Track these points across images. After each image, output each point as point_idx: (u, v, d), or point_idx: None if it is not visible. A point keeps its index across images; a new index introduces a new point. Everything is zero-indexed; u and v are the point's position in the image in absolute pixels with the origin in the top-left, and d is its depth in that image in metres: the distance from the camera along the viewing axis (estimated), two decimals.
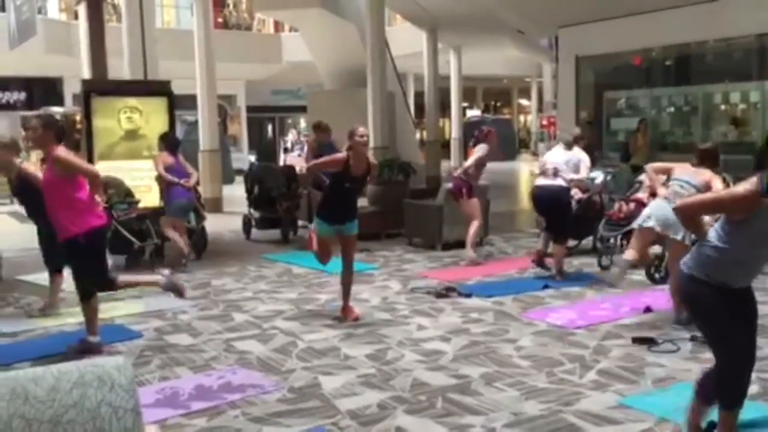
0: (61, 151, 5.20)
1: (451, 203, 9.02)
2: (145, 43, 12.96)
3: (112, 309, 6.56)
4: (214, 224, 11.85)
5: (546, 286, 7.25)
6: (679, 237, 5.57)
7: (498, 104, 43.63)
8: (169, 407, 4.25)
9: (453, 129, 28.01)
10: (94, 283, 5.26)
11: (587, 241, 9.00)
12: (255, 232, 10.86)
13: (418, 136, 23.31)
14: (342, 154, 6.09)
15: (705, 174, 5.60)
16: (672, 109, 14.10)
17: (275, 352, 5.32)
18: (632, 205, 8.07)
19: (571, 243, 9.25)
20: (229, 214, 13.31)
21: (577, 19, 14.20)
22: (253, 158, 23.35)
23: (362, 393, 4.48)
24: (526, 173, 24.59)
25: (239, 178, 15.06)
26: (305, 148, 13.50)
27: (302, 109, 23.94)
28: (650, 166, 6.19)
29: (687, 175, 5.70)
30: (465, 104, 37.39)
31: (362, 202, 9.62)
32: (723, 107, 13.33)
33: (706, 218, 3.88)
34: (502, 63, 29.98)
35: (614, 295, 6.95)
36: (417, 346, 5.41)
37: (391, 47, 19.64)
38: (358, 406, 4.27)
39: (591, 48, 14.57)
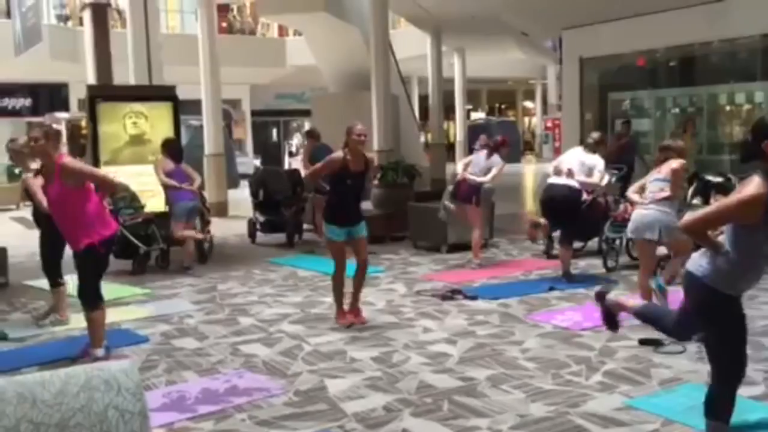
0: (68, 160, 5.05)
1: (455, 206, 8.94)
2: (149, 48, 13.02)
3: (119, 313, 6.57)
4: (219, 229, 11.91)
5: (552, 288, 7.25)
6: (652, 237, 5.91)
7: (503, 106, 43.58)
8: (176, 411, 4.26)
9: (457, 131, 28.01)
10: (96, 292, 5.16)
11: (593, 243, 8.98)
12: (260, 236, 10.89)
13: (422, 138, 23.33)
14: (337, 154, 6.07)
15: (667, 164, 6.03)
16: (677, 110, 14.07)
17: (281, 356, 5.32)
18: None
19: (577, 244, 9.27)
20: (235, 219, 13.36)
21: (580, 21, 14.21)
22: (258, 162, 23.38)
23: (368, 396, 4.48)
24: (531, 175, 24.58)
25: (244, 182, 15.08)
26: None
27: (307, 113, 23.99)
28: (629, 195, 6.51)
29: (654, 175, 6.13)
30: (469, 107, 37.43)
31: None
32: (728, 108, 13.31)
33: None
34: (506, 65, 29.98)
35: (621, 296, 6.92)
36: (423, 349, 5.42)
37: (394, 50, 19.67)
38: (364, 408, 4.27)
39: (595, 49, 14.58)
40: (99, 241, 5.03)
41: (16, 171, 11.58)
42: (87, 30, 13.70)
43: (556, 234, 8.50)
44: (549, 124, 32.40)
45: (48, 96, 23.41)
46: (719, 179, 8.50)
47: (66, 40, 20.05)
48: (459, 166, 8.97)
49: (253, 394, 4.52)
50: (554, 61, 24.48)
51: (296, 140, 26.67)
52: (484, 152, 8.73)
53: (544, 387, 4.57)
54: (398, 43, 22.31)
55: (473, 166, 8.73)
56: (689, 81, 14.03)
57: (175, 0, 26.33)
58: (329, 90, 18.71)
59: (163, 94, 11.07)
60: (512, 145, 32.67)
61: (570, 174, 7.60)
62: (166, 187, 8.69)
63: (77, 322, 6.14)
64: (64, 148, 14.59)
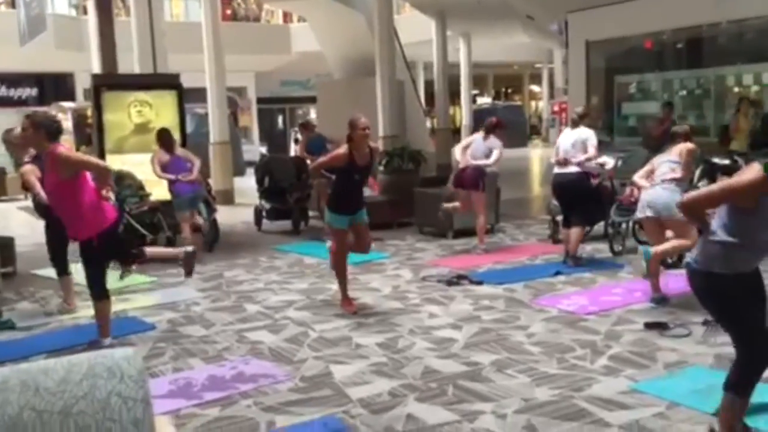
0: (61, 149, 4.97)
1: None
2: (154, 36, 13.00)
3: (126, 301, 6.61)
4: (225, 216, 11.92)
5: (558, 273, 7.24)
6: (651, 214, 5.99)
7: (509, 91, 43.40)
8: (182, 398, 4.29)
9: (463, 116, 27.91)
10: (103, 282, 5.17)
11: (599, 227, 8.96)
12: (266, 224, 10.90)
13: (428, 124, 23.25)
14: (342, 150, 5.97)
15: (678, 147, 6.17)
16: (684, 92, 13.97)
17: (287, 342, 5.34)
18: None
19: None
20: (241, 206, 13.37)
21: (586, 4, 14.09)
22: (264, 150, 23.38)
23: (373, 381, 4.49)
24: (537, 160, 24.51)
25: (250, 170, 15.08)
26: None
27: (312, 100, 23.92)
28: (636, 179, 6.50)
29: (665, 157, 6.21)
30: (476, 91, 37.28)
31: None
32: (736, 89, 13.20)
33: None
34: (512, 49, 29.82)
35: (626, 280, 6.94)
36: (428, 334, 5.42)
37: (399, 35, 19.57)
38: (369, 394, 4.29)
39: (601, 32, 14.46)
40: (97, 234, 5.02)
41: (13, 161, 11.61)
42: (91, 19, 13.69)
43: (560, 218, 8.49)
44: (556, 108, 32.22)
45: (53, 85, 23.44)
46: (726, 161, 8.46)
47: (71, 30, 20.05)
48: (457, 152, 8.83)
49: (259, 381, 4.54)
50: (560, 45, 24.33)
51: None
52: (481, 134, 8.67)
53: (549, 371, 4.57)
54: (403, 28, 22.19)
55: (473, 150, 8.67)
56: (696, 63, 13.92)
57: None
58: (334, 76, 18.66)
59: (168, 82, 11.05)
60: (519, 129, 32.74)
61: (566, 162, 7.59)
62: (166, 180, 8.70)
63: (85, 310, 6.19)
64: (68, 138, 14.68)
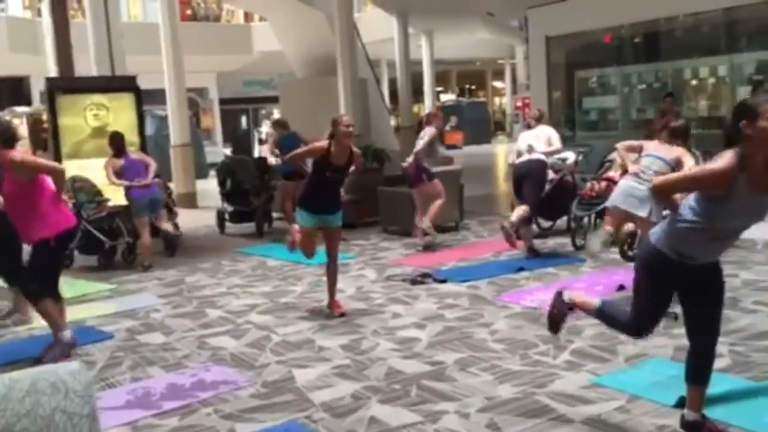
0: (17, 154, 5.00)
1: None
2: (110, 37, 12.77)
3: (84, 310, 6.47)
4: (188, 220, 11.77)
5: (521, 269, 7.26)
6: (644, 215, 5.61)
7: (473, 87, 43.63)
8: (141, 408, 4.19)
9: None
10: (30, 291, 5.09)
11: (562, 222, 9.03)
12: (230, 226, 10.78)
13: (393, 122, 23.23)
14: (322, 143, 5.89)
15: (677, 150, 5.64)
16: (643, 86, 14.15)
17: (249, 347, 5.27)
18: (604, 184, 8.11)
19: (546, 224, 9.33)
20: (204, 209, 13.22)
21: None
22: (228, 151, 23.14)
23: (336, 384, 4.45)
24: (502, 155, 24.64)
25: (213, 172, 14.91)
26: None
27: (275, 100, 23.75)
28: (621, 145, 6.23)
29: (659, 151, 5.77)
30: (440, 88, 37.38)
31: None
32: (693, 82, 13.41)
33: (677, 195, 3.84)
34: (475, 46, 29.96)
35: (588, 274, 6.99)
36: (392, 335, 5.39)
37: (362, 33, 19.48)
38: (332, 397, 4.24)
39: (561, 27, 14.58)
40: (54, 235, 4.96)
41: None
42: (46, 21, 13.41)
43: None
44: (519, 104, 32.47)
45: (9, 90, 22.90)
46: None
47: (25, 32, 19.62)
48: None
49: (220, 388, 4.46)
50: (521, 41, 24.50)
51: (265, 128, 26.42)
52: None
53: (512, 368, 4.57)
54: (366, 26, 22.13)
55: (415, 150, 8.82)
56: (655, 56, 14.10)
57: None
58: (297, 76, 18.53)
59: (125, 84, 10.86)
60: (483, 126, 32.86)
61: (531, 150, 7.67)
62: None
63: (41, 321, 6.02)
64: (23, 143, 14.35)
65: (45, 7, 13.50)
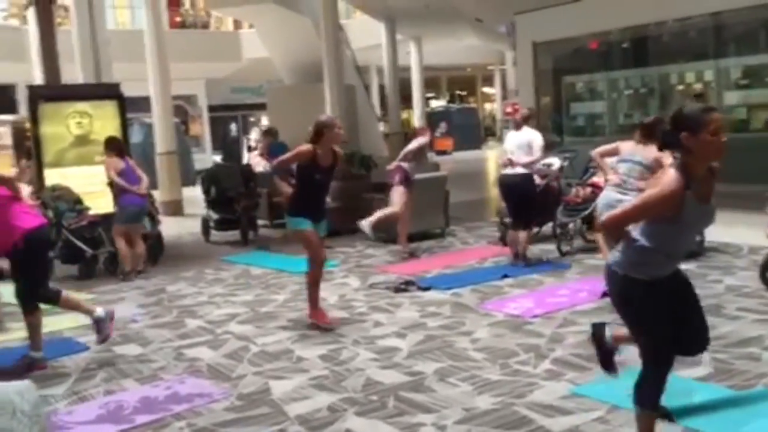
0: None
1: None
2: (96, 45, 12.71)
3: (60, 321, 6.35)
4: (173, 227, 11.68)
5: (505, 276, 7.20)
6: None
7: (464, 93, 43.64)
8: (111, 423, 4.10)
9: (416, 120, 27.94)
10: (33, 294, 5.01)
11: (548, 228, 8.97)
12: (215, 234, 10.67)
13: (382, 128, 23.19)
14: (307, 146, 5.79)
15: (653, 150, 5.52)
16: (630, 91, 14.15)
17: (226, 358, 5.18)
18: (589, 190, 8.08)
19: (533, 230, 9.25)
20: (191, 217, 13.09)
21: (532, 5, 14.18)
22: (218, 158, 23.04)
23: (313, 396, 4.37)
24: (491, 161, 24.62)
25: None
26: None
27: (265, 107, 23.71)
28: (596, 152, 6.19)
29: (635, 154, 5.71)
30: (431, 94, 37.42)
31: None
32: (680, 87, 13.41)
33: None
34: (464, 52, 29.99)
35: (573, 281, 6.93)
36: (372, 344, 5.32)
37: (351, 40, 19.48)
38: (308, 410, 4.16)
39: (548, 33, 14.56)
40: (21, 237, 4.86)
41: None
42: (32, 28, 13.31)
43: (509, 220, 8.49)
44: (509, 110, 32.47)
45: None
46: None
47: (11, 40, 19.48)
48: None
49: (194, 401, 4.38)
50: (510, 47, 24.51)
51: (255, 135, 26.35)
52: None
53: (491, 378, 4.50)
54: (354, 32, 22.15)
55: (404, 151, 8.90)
56: (642, 62, 14.10)
57: None
58: (284, 82, 18.49)
59: (108, 92, 10.76)
60: (472, 132, 32.83)
61: (512, 163, 7.58)
62: (117, 188, 8.45)
63: (16, 332, 5.93)
64: (7, 153, 14.22)
65: (31, 15, 13.37)
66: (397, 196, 8.60)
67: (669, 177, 3.01)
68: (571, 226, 8.30)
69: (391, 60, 21.79)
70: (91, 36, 12.75)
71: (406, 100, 27.77)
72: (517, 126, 7.90)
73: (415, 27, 23.02)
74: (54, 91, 10.95)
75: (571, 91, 15.14)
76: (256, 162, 11.17)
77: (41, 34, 12.98)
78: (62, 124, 10.33)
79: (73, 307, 5.37)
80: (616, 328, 3.84)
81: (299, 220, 5.82)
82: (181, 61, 20.94)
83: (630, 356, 4.64)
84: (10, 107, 21.57)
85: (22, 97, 21.83)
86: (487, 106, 42.31)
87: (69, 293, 5.51)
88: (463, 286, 6.87)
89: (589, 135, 14.25)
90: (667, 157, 5.57)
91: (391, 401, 4.22)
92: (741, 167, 8.11)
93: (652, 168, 5.46)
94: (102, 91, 10.91)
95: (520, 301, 6.27)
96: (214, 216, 10.58)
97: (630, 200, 5.35)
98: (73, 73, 12.53)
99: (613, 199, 5.67)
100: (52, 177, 9.83)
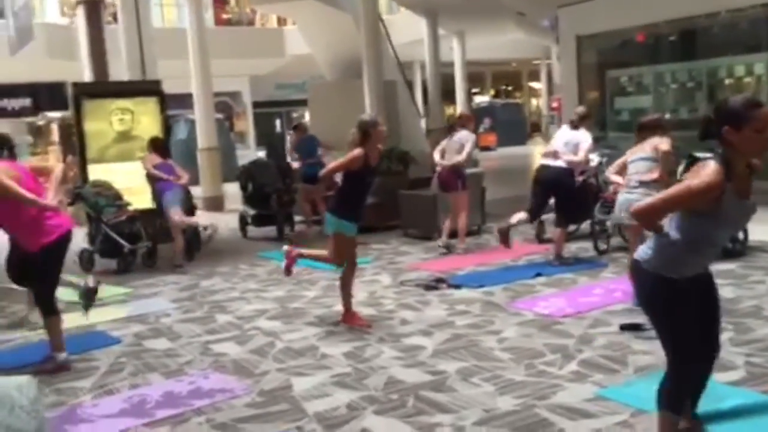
0: None
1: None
2: (142, 42, 12.92)
3: (96, 314, 6.46)
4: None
5: (538, 274, 7.08)
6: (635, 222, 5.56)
7: (509, 88, 43.18)
8: (133, 416, 4.15)
9: None
10: (52, 297, 5.05)
11: (586, 225, 8.78)
12: (252, 230, 10.76)
13: (424, 124, 23.05)
14: (358, 151, 5.62)
15: (651, 142, 5.82)
16: (676, 85, 13.76)
17: (252, 354, 5.21)
18: None
19: (570, 227, 9.08)
20: (232, 213, 13.22)
21: None
22: (262, 154, 23.24)
23: (333, 394, 4.35)
24: (536, 158, 24.28)
25: None
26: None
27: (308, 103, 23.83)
28: (609, 172, 6.33)
29: (637, 153, 5.89)
30: (475, 90, 37.10)
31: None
32: (728, 81, 12.98)
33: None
34: (509, 46, 29.57)
35: (608, 280, 6.77)
36: (397, 342, 5.28)
37: (394, 36, 19.38)
38: (326, 407, 4.14)
39: (592, 26, 14.26)
40: (39, 248, 4.90)
41: None
42: (81, 27, 13.63)
43: (546, 217, 8.36)
44: (555, 105, 32.02)
45: (48, 95, 23.36)
46: (708, 155, 8.26)
47: (62, 38, 19.97)
48: (436, 156, 8.77)
49: (216, 396, 4.40)
50: (554, 41, 24.13)
51: None
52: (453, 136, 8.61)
53: (515, 378, 4.42)
54: (398, 28, 22.05)
55: (447, 149, 8.60)
56: (690, 55, 13.69)
57: None
58: (326, 78, 18.52)
59: (149, 89, 10.95)
60: (518, 127, 32.46)
61: (556, 155, 7.46)
62: (153, 180, 8.64)
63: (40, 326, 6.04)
64: (55, 148, 14.59)
65: (80, 14, 13.70)
66: (462, 199, 8.41)
67: (710, 168, 2.90)
68: (608, 223, 8.11)
69: (432, 55, 21.64)
70: (137, 34, 12.97)
71: (449, 96, 27.56)
72: (573, 125, 7.65)
73: (457, 22, 22.81)
74: (97, 88, 11.19)
75: (615, 85, 14.80)
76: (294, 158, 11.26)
77: (90, 33, 13.32)
78: (105, 121, 10.56)
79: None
80: None
81: (346, 224, 5.73)
82: (226, 57, 21.19)
83: (661, 359, 4.53)
84: (63, 104, 22.19)
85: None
86: (533, 101, 41.77)
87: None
88: (495, 285, 6.78)
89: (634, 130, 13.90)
90: (664, 143, 5.71)
91: (410, 400, 4.18)
92: None
93: (654, 157, 5.75)
94: (143, 88, 11.10)
95: (552, 300, 6.15)
96: (251, 212, 10.67)
97: (637, 198, 5.33)
98: (121, 70, 12.78)
99: (624, 199, 5.81)
100: (95, 172, 10.06)
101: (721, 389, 4.03)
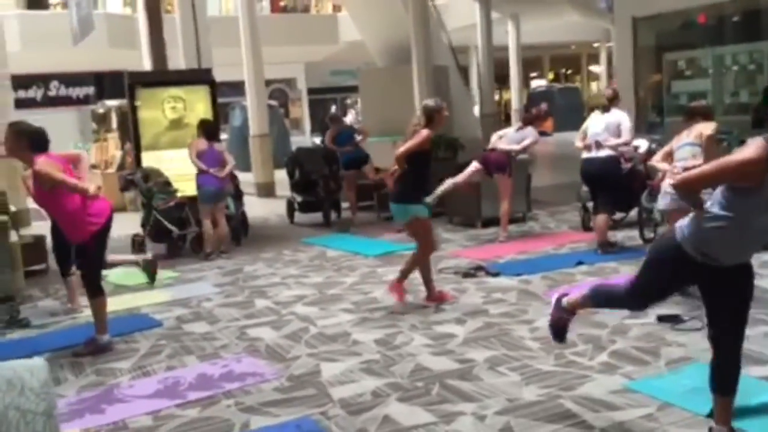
0: (41, 164, 4.86)
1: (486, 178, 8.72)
2: (197, 31, 13.18)
3: (141, 298, 6.71)
4: (262, 209, 12.07)
5: (580, 263, 6.96)
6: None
7: (568, 72, 42.31)
8: (166, 398, 4.29)
9: (513, 101, 27.33)
10: (98, 279, 5.29)
11: (635, 212, 8.58)
12: (299, 216, 10.90)
13: (478, 109, 22.85)
14: (427, 131, 5.78)
15: (697, 128, 5.72)
16: (736, 67, 13.26)
17: (285, 339, 5.30)
18: None
19: (618, 215, 8.90)
20: (282, 199, 13.39)
21: None
22: (317, 140, 23.44)
23: (360, 380, 4.40)
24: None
25: None
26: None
27: None
28: (654, 161, 6.20)
29: (682, 139, 5.76)
30: (534, 74, 36.51)
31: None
32: None
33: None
34: (566, 29, 28.99)
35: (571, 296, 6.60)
36: (429, 330, 5.29)
37: (447, 20, 19.25)
38: (352, 393, 4.19)
39: (649, 8, 13.85)
40: (90, 236, 5.09)
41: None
42: (141, 17, 13.99)
43: (592, 204, 8.20)
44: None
45: (111, 83, 24.02)
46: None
47: (123, 28, 20.53)
48: (493, 139, 8.79)
49: (246, 380, 4.50)
50: (611, 23, 23.52)
51: (350, 117, 26.62)
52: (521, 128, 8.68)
53: (543, 368, 4.38)
54: (452, 12, 21.89)
55: (507, 138, 8.58)
56: (752, 36, 13.16)
57: None
58: (377, 64, 18.53)
59: (200, 77, 11.16)
60: (575, 112, 31.79)
61: (598, 146, 7.30)
62: (196, 168, 8.80)
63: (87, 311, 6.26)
64: (114, 135, 15.01)
65: (140, 4, 14.05)
66: (507, 186, 8.39)
67: (755, 143, 2.86)
68: (656, 212, 7.90)
69: (485, 39, 21.37)
70: (193, 23, 13.23)
71: (504, 80, 27.22)
72: (605, 108, 7.56)
73: (511, 4, 22.49)
74: (150, 77, 11.47)
75: (672, 68, 14.35)
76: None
77: (149, 22, 13.62)
78: (158, 109, 10.81)
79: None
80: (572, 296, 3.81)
81: (420, 207, 5.90)
82: (282, 45, 21.43)
83: (696, 351, 4.42)
84: (124, 93, 22.83)
85: None
86: (593, 85, 40.82)
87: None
88: (534, 273, 6.70)
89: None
90: (707, 128, 5.63)
91: (435, 388, 4.19)
92: None
93: (700, 143, 5.64)
94: (195, 77, 11.31)
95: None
96: (298, 198, 10.80)
97: None
98: (179, 59, 13.08)
99: (667, 185, 5.60)
100: (148, 160, 10.33)
101: (755, 384, 3.91)
